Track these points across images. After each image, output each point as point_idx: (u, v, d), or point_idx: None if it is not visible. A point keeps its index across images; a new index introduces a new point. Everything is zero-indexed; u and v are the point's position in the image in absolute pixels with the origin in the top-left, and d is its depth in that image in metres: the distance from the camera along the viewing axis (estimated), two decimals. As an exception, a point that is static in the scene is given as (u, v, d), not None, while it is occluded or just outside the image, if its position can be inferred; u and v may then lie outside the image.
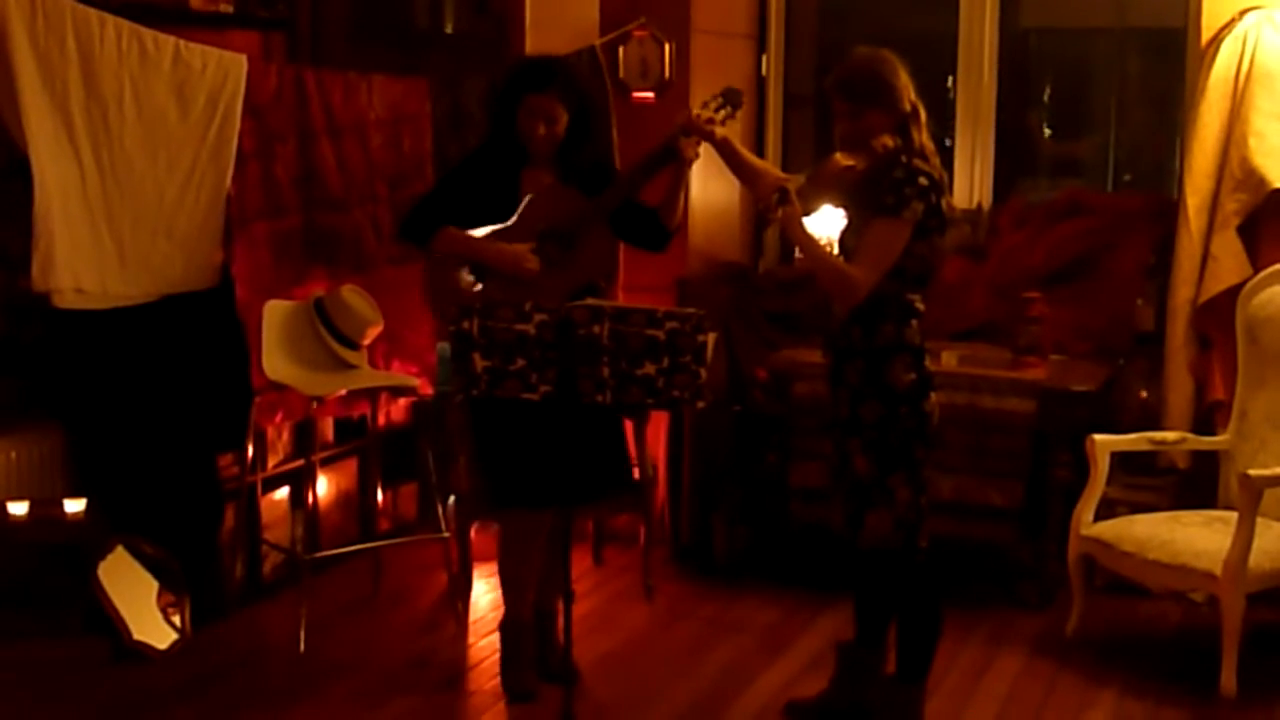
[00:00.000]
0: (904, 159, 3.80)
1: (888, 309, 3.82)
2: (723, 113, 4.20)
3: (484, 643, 4.88)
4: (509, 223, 4.30)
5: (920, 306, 3.88)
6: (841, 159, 3.80)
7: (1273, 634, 4.86)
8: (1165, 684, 4.55)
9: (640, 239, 4.47)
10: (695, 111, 4.19)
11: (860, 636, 4.24)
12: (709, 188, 5.98)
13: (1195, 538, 4.58)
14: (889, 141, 3.79)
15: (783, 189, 3.71)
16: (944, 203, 3.85)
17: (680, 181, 4.31)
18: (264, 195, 5.18)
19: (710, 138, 4.17)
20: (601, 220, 4.30)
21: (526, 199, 4.31)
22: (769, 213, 3.74)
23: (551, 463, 4.17)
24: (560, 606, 4.39)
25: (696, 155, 4.24)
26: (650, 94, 5.80)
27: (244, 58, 5.10)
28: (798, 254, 6.11)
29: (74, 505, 4.91)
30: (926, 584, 4.00)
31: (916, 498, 3.89)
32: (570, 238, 4.28)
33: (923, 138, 3.86)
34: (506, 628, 4.48)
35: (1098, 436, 4.87)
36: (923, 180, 3.78)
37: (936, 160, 3.89)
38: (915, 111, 3.85)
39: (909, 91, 3.85)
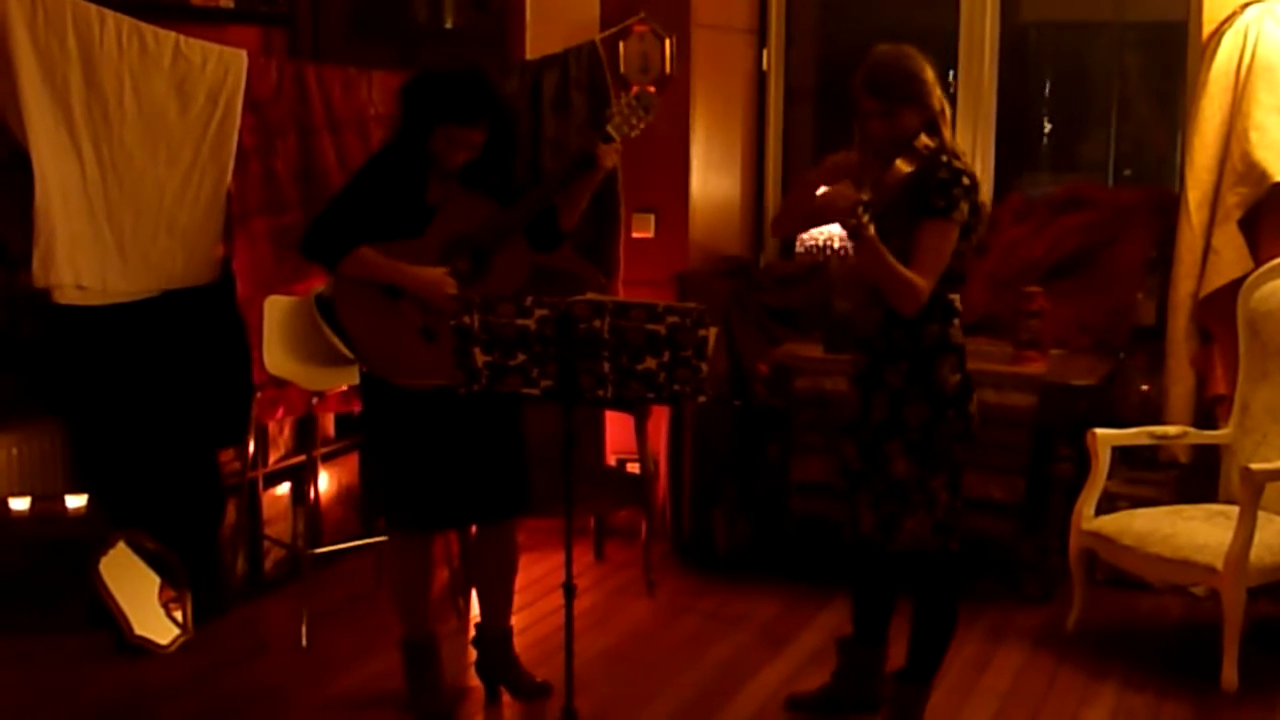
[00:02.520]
0: (944, 159, 3.72)
1: (932, 310, 3.76)
2: (642, 121, 4.13)
3: (485, 638, 4.89)
4: (420, 236, 4.09)
5: (960, 306, 3.84)
6: (903, 165, 3.62)
7: (1274, 628, 4.86)
8: (1166, 678, 4.55)
9: (532, 240, 4.23)
10: (615, 120, 4.09)
11: (859, 635, 4.24)
12: (709, 182, 5.98)
13: (1196, 532, 4.58)
14: (930, 142, 3.68)
15: (865, 203, 3.56)
16: (980, 201, 3.80)
17: (590, 187, 4.16)
18: (264, 191, 5.19)
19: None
20: (518, 231, 4.13)
21: (440, 208, 4.10)
22: (862, 231, 3.57)
23: (436, 484, 4.14)
24: (512, 627, 4.41)
25: (615, 163, 4.16)
26: (650, 89, 5.78)
27: (244, 53, 5.10)
28: (799, 247, 6.16)
29: (75, 501, 4.93)
30: (953, 586, 3.99)
31: (954, 501, 3.86)
32: (486, 251, 4.11)
33: (951, 136, 3.79)
34: (404, 648, 4.33)
35: (1099, 431, 4.86)
36: (966, 180, 3.72)
37: (968, 158, 3.83)
38: (943, 109, 3.79)
39: (937, 88, 3.78)
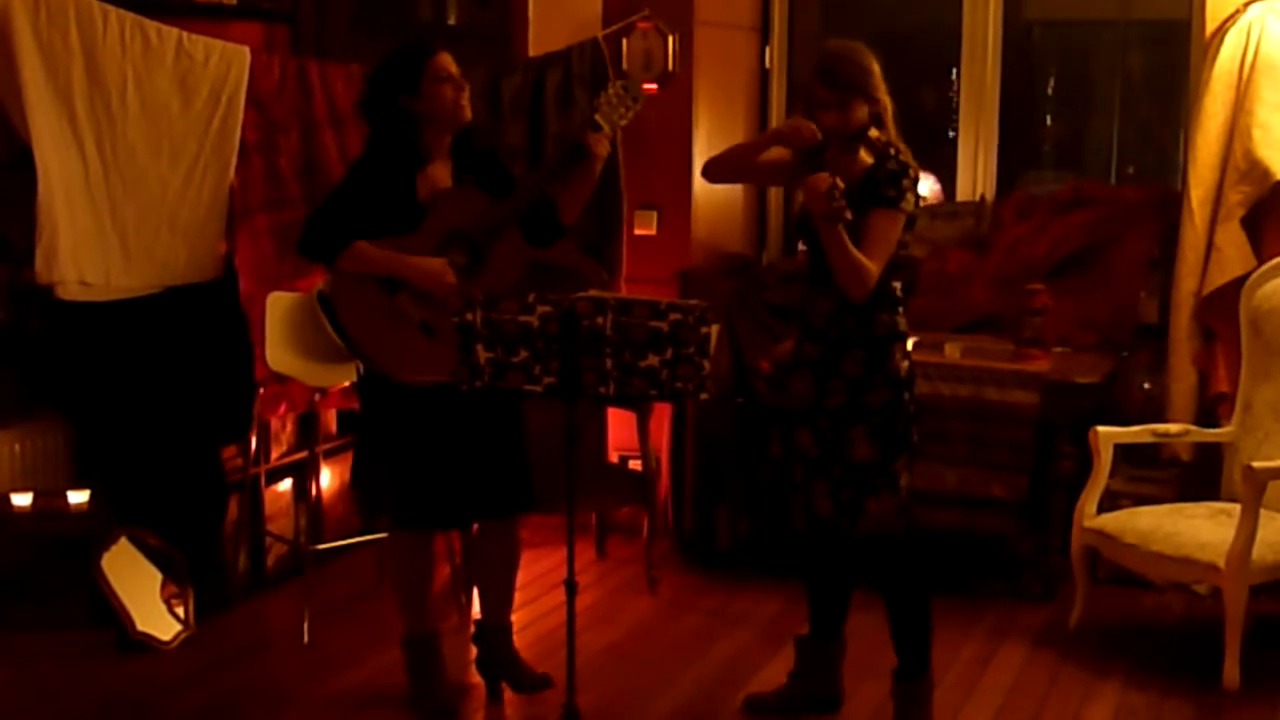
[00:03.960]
0: (893, 151, 3.83)
1: (880, 299, 3.85)
2: (631, 110, 4.16)
3: (487, 634, 4.89)
4: (415, 231, 4.07)
5: (901, 294, 3.94)
6: (866, 156, 3.78)
7: (1276, 626, 4.85)
8: (1168, 676, 4.55)
9: (530, 234, 4.22)
10: (604, 109, 4.11)
11: (815, 629, 4.25)
12: (712, 180, 5.98)
13: (1199, 530, 4.58)
14: (881, 135, 3.82)
15: (836, 185, 3.59)
16: (919, 195, 3.94)
17: (588, 177, 4.16)
18: (267, 187, 5.19)
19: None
20: (513, 223, 4.12)
21: (433, 203, 4.10)
22: (840, 215, 3.60)
23: (435, 482, 4.14)
24: (511, 622, 4.41)
25: (608, 150, 4.16)
26: (654, 86, 5.79)
27: (247, 49, 5.10)
28: (796, 240, 6.15)
29: (78, 497, 4.93)
30: (919, 570, 4.02)
31: (910, 482, 3.95)
32: (480, 244, 4.10)
33: (894, 130, 3.90)
34: (406, 644, 4.33)
35: (1101, 428, 4.86)
36: (912, 172, 3.84)
37: (909, 152, 3.91)
38: (887, 104, 3.90)
39: (883, 84, 3.90)
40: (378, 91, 4.13)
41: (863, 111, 3.83)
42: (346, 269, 4.08)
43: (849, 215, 3.62)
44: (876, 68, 3.88)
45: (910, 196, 3.82)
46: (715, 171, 4.19)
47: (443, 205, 4.11)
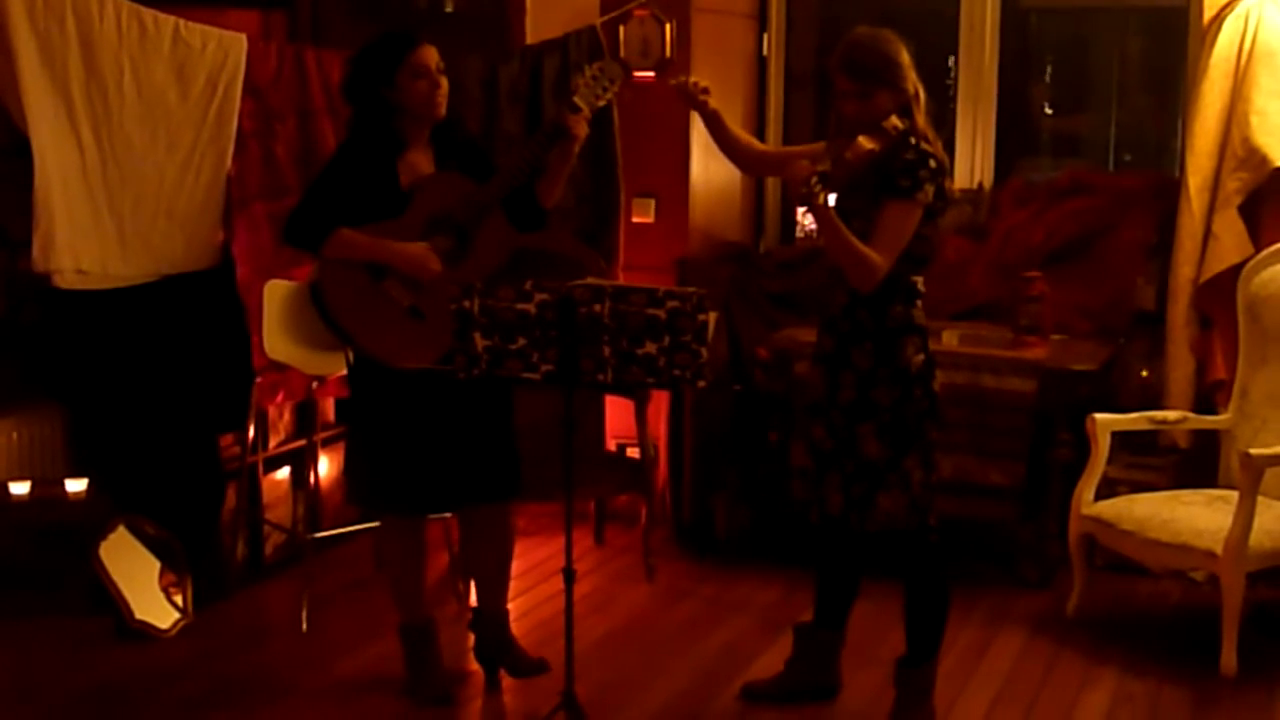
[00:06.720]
0: (913, 141, 3.77)
1: (895, 291, 3.80)
2: (609, 91, 4.17)
3: (485, 622, 4.89)
4: (399, 217, 4.08)
5: (923, 288, 3.87)
6: (865, 142, 3.68)
7: (1273, 613, 4.87)
8: (1166, 663, 4.56)
9: (513, 218, 4.21)
10: (581, 90, 4.11)
11: (819, 617, 4.25)
12: (710, 168, 5.98)
13: (1196, 517, 4.58)
14: (899, 123, 3.73)
15: (821, 173, 3.60)
16: (947, 185, 3.85)
17: (566, 159, 4.16)
18: (264, 175, 5.19)
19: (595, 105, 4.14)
20: (495, 205, 4.11)
21: (416, 189, 4.10)
22: (812, 199, 3.61)
23: (424, 468, 4.14)
24: (507, 609, 4.41)
25: (586, 131, 4.14)
26: (651, 73, 5.79)
27: (244, 37, 5.10)
28: (799, 232, 6.16)
29: (76, 485, 4.94)
30: (939, 564, 4.00)
31: (928, 478, 3.88)
32: (465, 228, 4.10)
33: (924, 120, 3.84)
34: (402, 632, 4.35)
35: (1098, 416, 4.87)
36: (933, 163, 3.76)
37: (939, 143, 3.87)
38: (917, 93, 3.83)
39: (912, 72, 3.83)
40: (357, 79, 4.13)
41: (885, 101, 3.76)
42: (331, 256, 4.08)
43: (821, 200, 3.60)
44: (905, 57, 3.81)
45: (928, 187, 3.73)
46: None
47: (426, 190, 4.12)
